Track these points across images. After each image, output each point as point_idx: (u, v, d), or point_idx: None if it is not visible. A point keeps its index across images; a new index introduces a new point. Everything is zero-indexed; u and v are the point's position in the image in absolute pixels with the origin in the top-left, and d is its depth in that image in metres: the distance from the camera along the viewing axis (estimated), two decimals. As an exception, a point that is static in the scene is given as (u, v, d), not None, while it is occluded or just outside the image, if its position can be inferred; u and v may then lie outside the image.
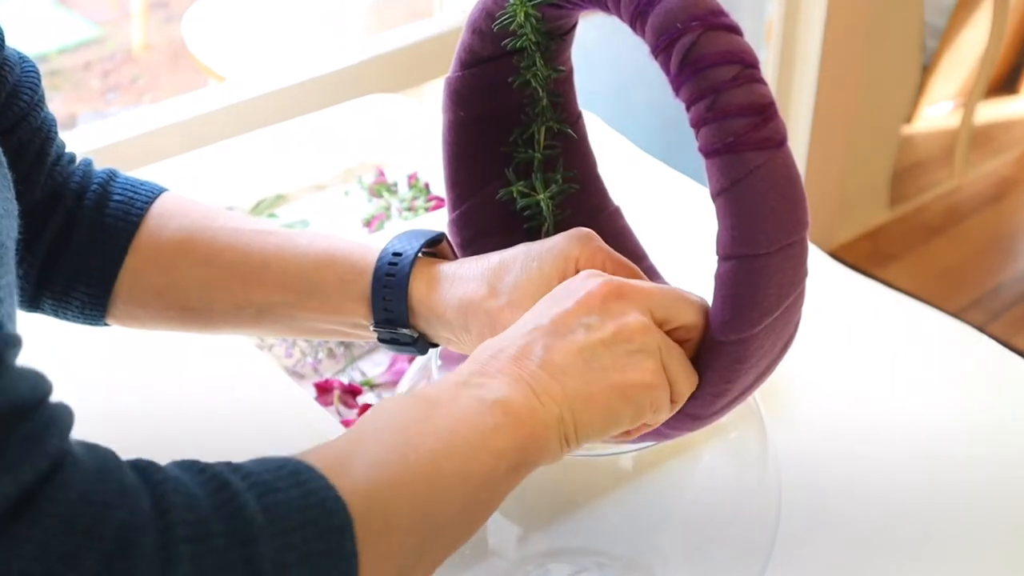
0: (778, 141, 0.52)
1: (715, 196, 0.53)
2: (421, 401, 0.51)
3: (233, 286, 0.67)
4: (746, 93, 0.51)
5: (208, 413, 0.91)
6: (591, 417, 0.53)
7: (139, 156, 1.28)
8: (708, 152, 0.52)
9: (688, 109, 0.53)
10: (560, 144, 0.67)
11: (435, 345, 0.67)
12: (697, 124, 0.53)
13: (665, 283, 0.69)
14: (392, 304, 0.64)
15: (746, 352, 0.55)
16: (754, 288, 0.53)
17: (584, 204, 0.70)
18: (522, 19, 0.61)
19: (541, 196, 0.67)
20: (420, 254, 0.65)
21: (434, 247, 0.67)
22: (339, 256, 0.66)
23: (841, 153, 2.14)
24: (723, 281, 0.54)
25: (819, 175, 2.08)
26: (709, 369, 0.56)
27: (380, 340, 0.67)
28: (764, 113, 0.52)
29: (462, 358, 0.91)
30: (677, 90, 0.53)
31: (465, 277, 0.63)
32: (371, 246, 0.67)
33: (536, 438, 0.51)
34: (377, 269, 0.65)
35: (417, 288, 0.64)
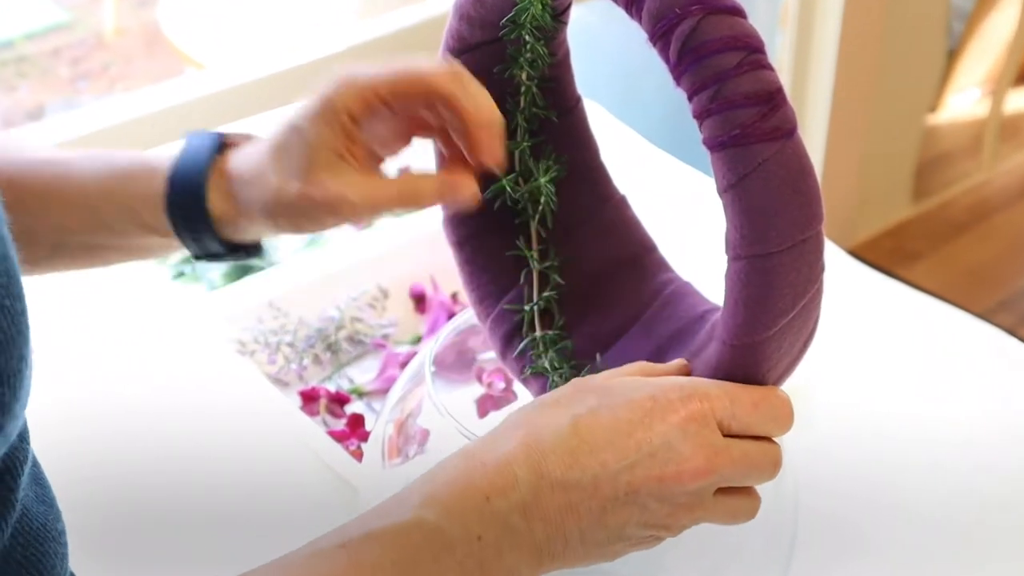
0: (788, 131, 0.52)
1: (722, 192, 0.53)
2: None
3: (17, 223, 0.68)
4: (752, 80, 0.51)
5: (183, 426, 0.91)
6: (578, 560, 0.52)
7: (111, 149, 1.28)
8: (713, 145, 0.52)
9: (690, 100, 0.53)
10: (547, 133, 0.67)
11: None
12: (700, 116, 0.52)
13: (674, 277, 0.69)
14: (199, 235, 0.66)
15: (762, 355, 0.55)
16: (768, 288, 0.53)
17: (586, 192, 0.70)
18: (539, 9, 0.61)
19: (542, 180, 0.67)
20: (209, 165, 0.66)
21: (220, 152, 0.68)
22: (127, 179, 0.67)
23: (861, 145, 2.14)
24: (734, 282, 0.54)
25: (838, 168, 2.08)
26: (724, 375, 0.56)
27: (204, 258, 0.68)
28: (772, 101, 0.51)
29: (456, 365, 0.91)
30: (678, 80, 0.53)
31: (254, 175, 0.64)
32: (151, 161, 0.68)
33: None
34: (170, 205, 0.66)
35: (217, 206, 0.66)
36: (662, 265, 0.70)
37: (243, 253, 0.69)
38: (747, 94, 0.51)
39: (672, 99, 1.85)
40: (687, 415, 0.52)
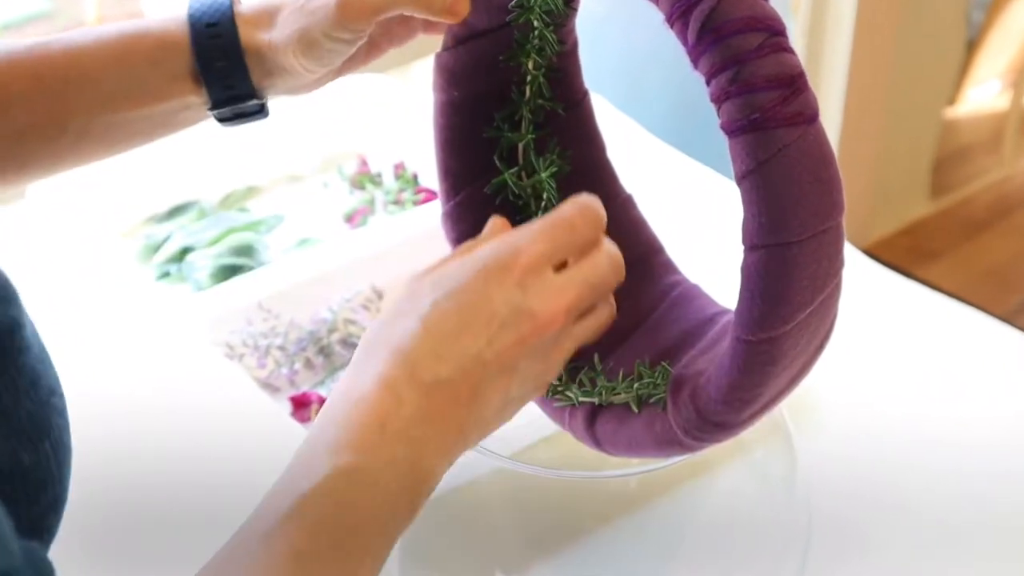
0: (809, 116, 0.52)
1: (740, 179, 0.53)
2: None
3: (38, 114, 0.67)
4: (773, 63, 0.51)
5: (169, 434, 0.91)
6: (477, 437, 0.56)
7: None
8: (732, 130, 0.52)
9: (708, 83, 0.53)
10: (553, 126, 0.67)
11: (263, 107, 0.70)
12: (719, 99, 0.52)
13: (682, 279, 0.69)
14: (228, 67, 0.68)
15: (778, 352, 0.55)
16: (786, 280, 0.53)
17: (591, 190, 0.69)
18: None
19: (543, 175, 0.67)
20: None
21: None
22: (139, 37, 0.68)
23: (877, 139, 2.14)
24: (751, 273, 0.54)
25: (852, 163, 2.08)
26: (737, 372, 0.56)
27: (219, 118, 0.69)
28: (793, 85, 0.51)
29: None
30: (696, 61, 0.53)
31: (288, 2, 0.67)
32: (165, 18, 0.69)
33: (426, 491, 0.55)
34: (196, 33, 0.68)
35: (247, 32, 0.68)
36: (669, 267, 0.70)
37: (264, 113, 0.71)
38: (768, 77, 0.51)
39: (679, 93, 1.85)
40: (519, 273, 0.55)
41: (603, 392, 0.63)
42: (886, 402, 0.94)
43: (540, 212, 0.68)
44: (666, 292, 0.69)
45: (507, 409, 0.57)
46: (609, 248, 0.58)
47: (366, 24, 0.66)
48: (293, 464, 0.53)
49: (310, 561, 0.50)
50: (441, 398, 0.54)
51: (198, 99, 0.70)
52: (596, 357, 0.66)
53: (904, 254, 2.29)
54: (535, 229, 0.57)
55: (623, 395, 0.63)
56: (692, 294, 0.68)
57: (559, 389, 0.65)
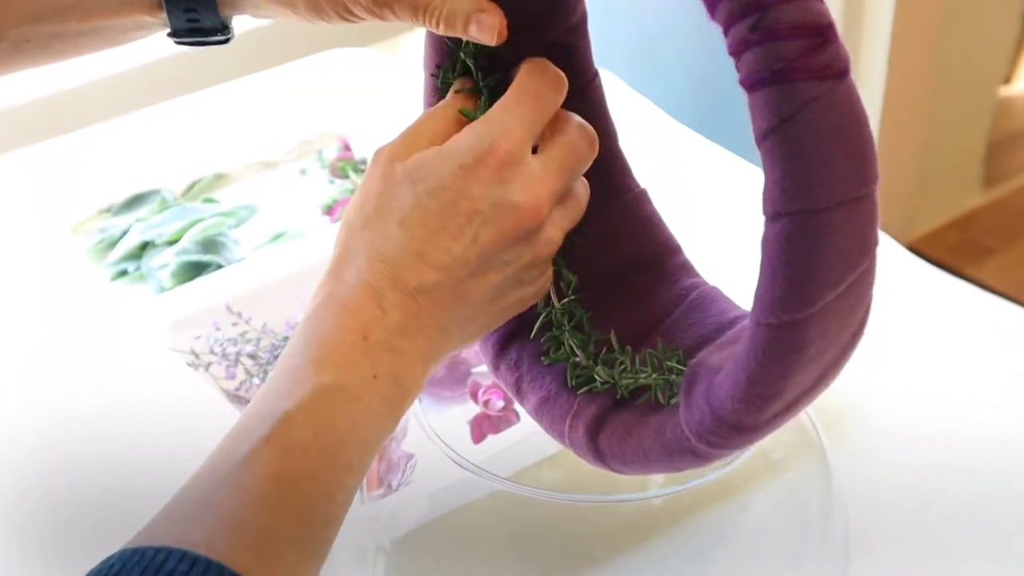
0: (839, 70, 0.51)
1: (761, 138, 0.52)
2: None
3: None
4: (799, 9, 0.51)
5: (126, 451, 0.91)
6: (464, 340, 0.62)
7: (36, 128, 1.27)
8: (752, 83, 0.52)
9: (726, 32, 0.52)
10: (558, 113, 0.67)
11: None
12: (738, 49, 0.52)
13: (700, 282, 0.69)
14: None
15: (804, 338, 0.54)
16: (813, 253, 0.52)
17: (600, 182, 0.69)
18: None
19: None
20: None
21: None
22: None
23: (922, 121, 2.14)
24: (772, 247, 0.53)
25: (894, 149, 2.08)
26: (757, 363, 0.55)
27: (177, 39, 0.71)
28: (822, 35, 0.51)
29: (446, 380, 0.91)
30: (712, 10, 0.53)
31: None
32: None
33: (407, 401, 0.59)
34: None
35: None
36: (686, 269, 0.70)
37: (212, 37, 0.72)
38: (793, 24, 0.51)
39: (699, 67, 1.85)
40: (498, 166, 0.60)
41: (624, 378, 0.64)
42: (932, 415, 0.94)
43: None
44: (682, 295, 0.69)
45: (496, 306, 0.62)
46: (578, 122, 0.63)
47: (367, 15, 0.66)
48: (275, 377, 0.57)
49: (290, 483, 0.54)
50: (425, 303, 0.59)
51: (155, 20, 0.71)
52: (613, 334, 0.67)
53: (952, 250, 2.29)
54: (506, 114, 0.61)
55: (644, 379, 0.64)
56: (711, 297, 0.68)
57: (584, 371, 0.65)
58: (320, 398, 0.56)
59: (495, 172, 0.60)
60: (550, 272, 0.64)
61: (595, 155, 0.64)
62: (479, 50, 0.65)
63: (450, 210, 0.59)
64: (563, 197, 0.63)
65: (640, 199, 0.71)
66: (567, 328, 0.67)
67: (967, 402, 0.95)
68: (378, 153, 0.62)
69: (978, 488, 0.88)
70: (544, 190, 0.61)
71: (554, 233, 0.62)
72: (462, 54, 0.66)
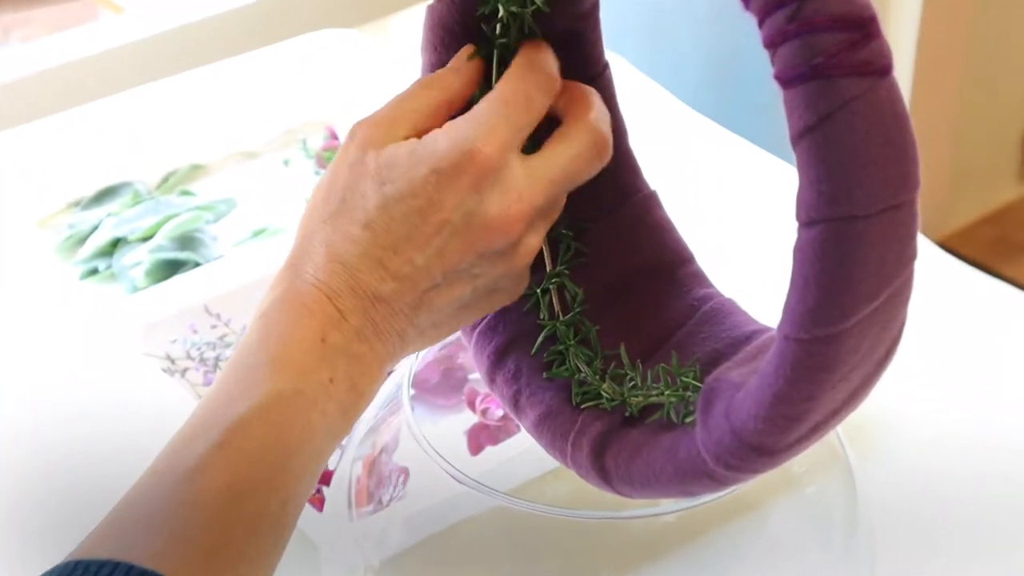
0: (882, 67, 0.51)
1: (797, 138, 0.52)
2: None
3: None
4: (841, 1, 0.51)
5: (97, 464, 0.91)
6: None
7: (5, 113, 1.28)
8: (788, 78, 0.52)
9: (761, 24, 0.52)
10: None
11: None
12: (774, 42, 0.52)
13: (714, 293, 0.69)
14: None
15: (835, 356, 0.54)
16: (848, 263, 0.52)
17: (607, 183, 0.70)
18: None
19: None
20: None
21: None
22: None
23: (954, 107, 2.14)
24: (806, 255, 0.53)
25: (925, 137, 2.08)
26: (784, 380, 0.55)
27: None
28: (864, 29, 0.51)
29: (441, 387, 0.91)
30: None
31: None
32: None
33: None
34: None
35: None
36: (699, 278, 0.70)
37: None
38: (834, 16, 0.51)
39: (715, 51, 1.85)
40: (475, 175, 0.59)
41: (633, 395, 0.64)
42: (967, 424, 0.94)
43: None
44: (695, 307, 0.69)
45: (464, 313, 0.63)
46: (592, 126, 0.62)
47: None
48: (226, 378, 0.58)
49: (243, 494, 0.55)
50: (383, 310, 0.60)
51: None
52: (623, 347, 0.67)
53: (988, 247, 2.29)
54: (491, 115, 0.60)
55: (656, 397, 0.63)
56: (726, 310, 0.68)
57: (589, 388, 0.65)
58: (276, 402, 0.57)
59: (472, 181, 0.59)
60: (527, 277, 0.64)
61: (600, 168, 0.63)
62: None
63: (417, 218, 0.60)
64: (547, 211, 0.63)
65: (649, 202, 0.71)
66: (572, 343, 0.67)
67: (1006, 410, 0.95)
68: (354, 130, 0.62)
69: (1015, 503, 0.88)
70: (524, 205, 0.60)
71: (533, 242, 0.62)
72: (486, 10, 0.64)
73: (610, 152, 0.63)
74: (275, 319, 0.60)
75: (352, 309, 0.59)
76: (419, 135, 0.62)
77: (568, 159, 0.61)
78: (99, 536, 0.55)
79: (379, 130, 0.62)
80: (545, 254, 0.68)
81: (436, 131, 0.61)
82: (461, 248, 0.60)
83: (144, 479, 0.57)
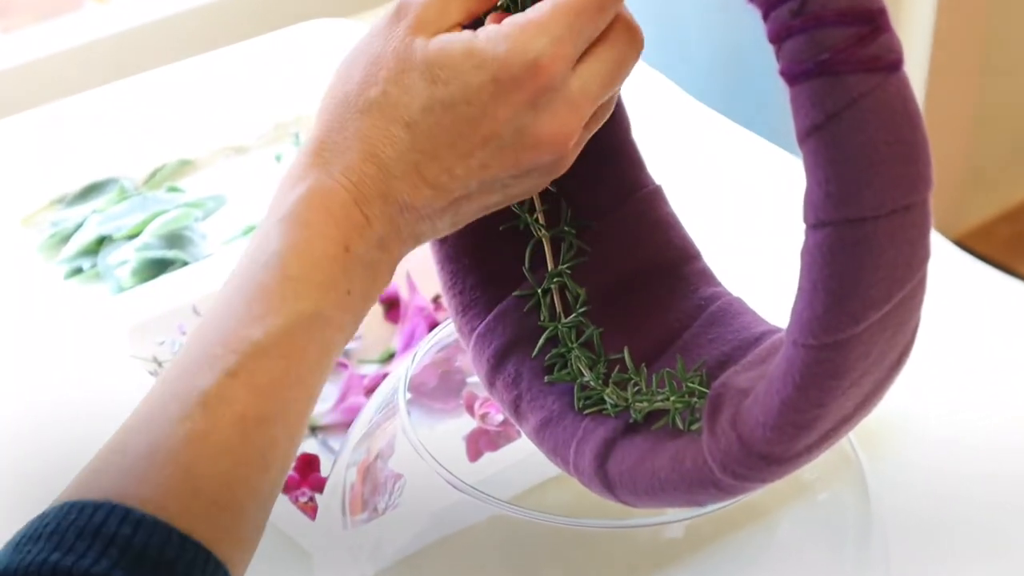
0: (891, 62, 0.51)
1: (804, 136, 0.53)
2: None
3: None
4: None
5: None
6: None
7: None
8: (794, 74, 0.52)
9: (766, 16, 0.53)
10: None
11: None
12: (779, 37, 0.52)
13: (722, 292, 0.69)
14: None
15: (845, 362, 0.54)
16: (857, 267, 0.52)
17: (610, 178, 0.69)
18: None
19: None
20: None
21: None
22: None
23: (971, 101, 2.14)
24: (814, 258, 0.53)
25: (939, 132, 2.08)
26: (793, 387, 0.55)
27: None
28: (873, 22, 0.51)
29: (439, 391, 0.91)
30: None
31: None
32: None
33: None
34: None
35: None
36: (706, 277, 0.70)
37: None
38: (841, 10, 0.51)
39: (724, 43, 1.85)
40: (535, 90, 0.58)
41: (638, 400, 0.64)
42: (984, 428, 0.94)
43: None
44: (702, 307, 0.68)
45: (484, 214, 0.62)
46: (627, 22, 0.61)
47: None
48: (237, 292, 0.57)
49: (256, 426, 0.54)
50: (410, 217, 0.59)
51: None
52: (627, 351, 0.66)
53: (1005, 245, 2.29)
54: (558, 24, 0.58)
55: (661, 403, 0.63)
56: (734, 310, 0.68)
57: (592, 393, 0.65)
58: (295, 326, 0.56)
59: (530, 96, 0.58)
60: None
61: (638, 56, 0.61)
62: None
63: (465, 127, 0.58)
64: (592, 119, 0.61)
65: (654, 198, 0.71)
66: (575, 346, 0.67)
67: (1022, 411, 0.95)
68: (402, 7, 0.60)
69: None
70: (576, 120, 0.59)
71: (576, 152, 0.61)
72: None
73: (643, 41, 0.62)
74: (297, 227, 0.58)
75: (379, 215, 0.58)
76: (471, 17, 0.60)
77: (614, 63, 0.60)
78: (97, 470, 0.54)
79: (430, 11, 0.59)
80: (547, 253, 0.68)
81: (495, 30, 0.59)
82: (506, 162, 0.59)
83: (146, 407, 0.55)
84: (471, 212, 0.61)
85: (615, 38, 0.60)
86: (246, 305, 0.56)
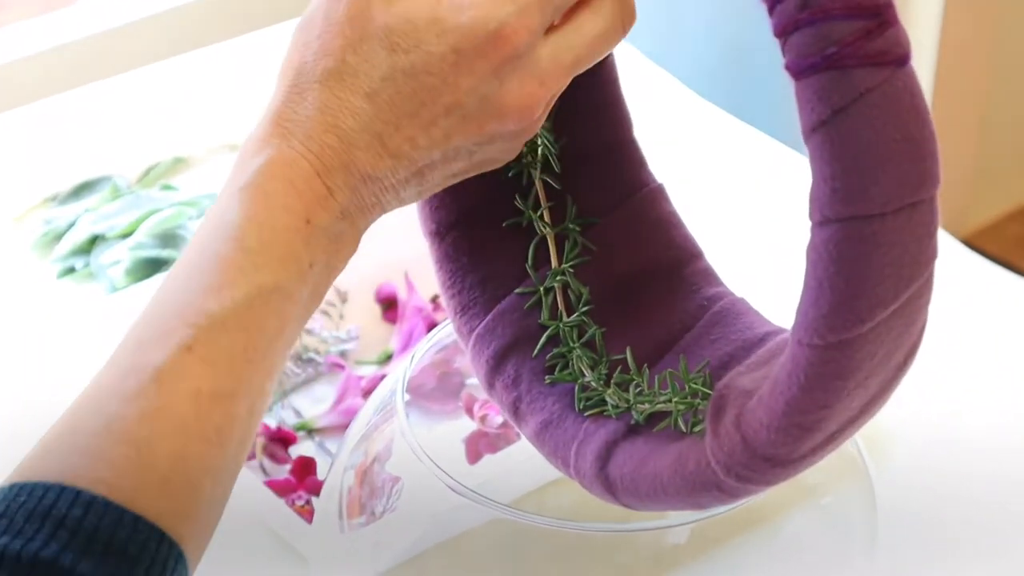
0: (899, 56, 0.52)
1: (810, 132, 0.53)
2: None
3: None
4: None
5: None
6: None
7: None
8: (800, 68, 0.52)
9: (771, 11, 0.53)
10: (564, 98, 0.67)
11: None
12: (785, 30, 0.52)
13: (725, 292, 0.69)
14: None
15: (850, 362, 0.54)
16: (864, 265, 0.53)
17: (611, 176, 0.70)
18: None
19: (543, 139, 0.67)
20: None
21: None
22: None
23: (980, 98, 2.14)
24: (819, 256, 0.53)
25: (947, 129, 2.08)
26: (798, 387, 0.56)
27: None
28: (880, 16, 0.51)
29: (437, 393, 0.91)
30: None
31: None
32: None
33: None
34: None
35: None
36: (708, 276, 0.70)
37: None
38: (848, 3, 0.51)
39: (726, 36, 1.86)
40: (499, 59, 0.57)
41: (640, 401, 0.64)
42: (993, 430, 0.94)
43: (538, 169, 0.68)
44: (704, 307, 0.69)
45: (450, 182, 0.62)
46: (609, 4, 0.60)
47: None
48: (193, 263, 0.56)
49: (211, 402, 0.54)
50: (374, 188, 0.59)
51: None
52: (629, 351, 0.66)
53: (1014, 244, 2.29)
54: None
55: (663, 404, 0.63)
56: (737, 310, 0.68)
57: (593, 394, 0.65)
58: (254, 300, 0.56)
59: (493, 65, 0.58)
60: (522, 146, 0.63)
61: (624, 34, 0.61)
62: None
63: (427, 96, 0.58)
64: (562, 89, 0.60)
65: (656, 196, 0.71)
66: (576, 345, 0.67)
67: (1031, 417, 0.95)
68: None
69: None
70: (543, 90, 0.59)
71: (541, 120, 0.61)
72: None
73: (634, 22, 0.61)
74: (258, 197, 0.57)
75: (341, 186, 0.58)
76: None
77: (594, 37, 0.60)
78: (46, 451, 0.53)
79: None
80: (551, 251, 0.68)
81: None
82: (469, 131, 0.59)
83: (99, 381, 0.55)
84: (436, 180, 0.61)
85: (599, 5, 0.60)
86: (203, 277, 0.56)
